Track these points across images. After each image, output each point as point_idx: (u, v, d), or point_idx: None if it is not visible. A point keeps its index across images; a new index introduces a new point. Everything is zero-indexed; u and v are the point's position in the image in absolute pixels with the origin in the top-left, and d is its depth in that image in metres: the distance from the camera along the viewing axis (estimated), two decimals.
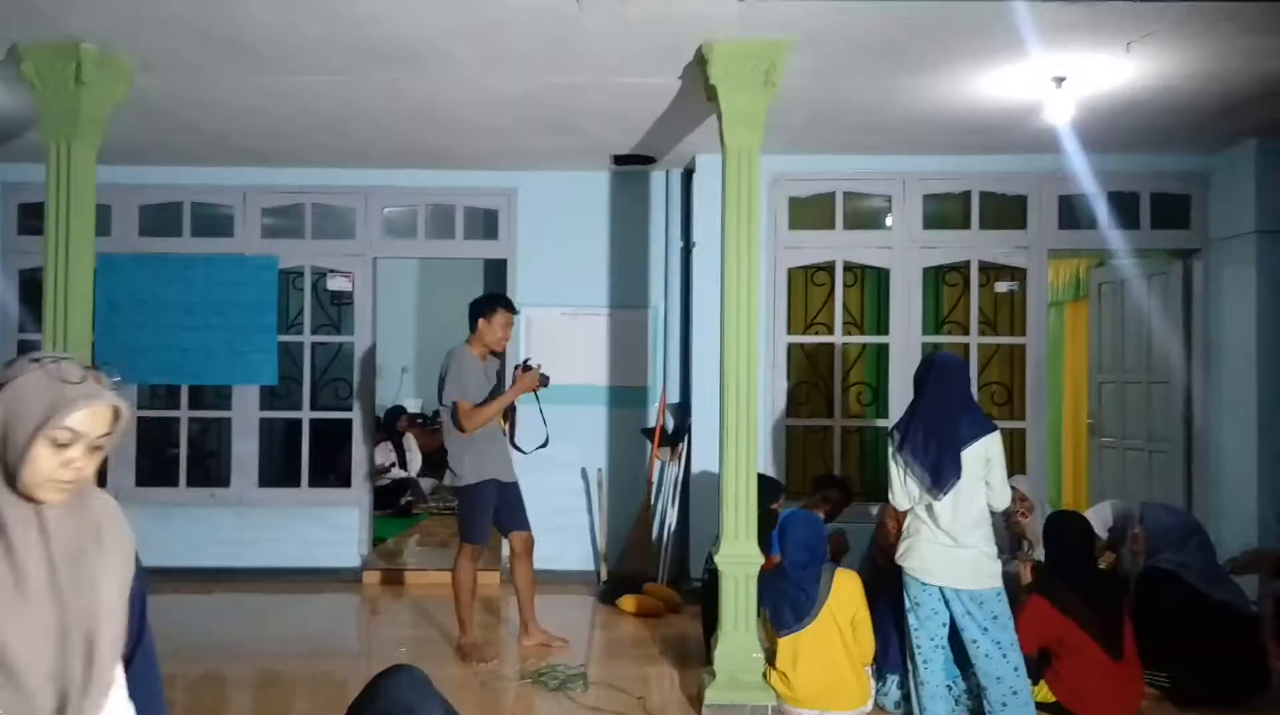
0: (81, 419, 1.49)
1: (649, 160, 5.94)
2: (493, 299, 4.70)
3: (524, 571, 4.71)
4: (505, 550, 5.47)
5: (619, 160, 5.94)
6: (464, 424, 4.47)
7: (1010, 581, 3.83)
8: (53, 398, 1.47)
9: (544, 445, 4.88)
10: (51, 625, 1.49)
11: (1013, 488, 3.82)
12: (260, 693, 4.19)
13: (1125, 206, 5.79)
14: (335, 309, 7.69)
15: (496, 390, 4.66)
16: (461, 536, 4.58)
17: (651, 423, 6.18)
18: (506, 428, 5.05)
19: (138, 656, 1.76)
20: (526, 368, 4.64)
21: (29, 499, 1.48)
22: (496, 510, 4.61)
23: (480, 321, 4.62)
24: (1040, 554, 4.61)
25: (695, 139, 5.35)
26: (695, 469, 5.88)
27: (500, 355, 4.75)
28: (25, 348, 6.07)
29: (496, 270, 7.46)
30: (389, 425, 8.87)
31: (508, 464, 4.68)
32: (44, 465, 1.47)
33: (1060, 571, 3.89)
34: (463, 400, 4.48)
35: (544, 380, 4.66)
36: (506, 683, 4.24)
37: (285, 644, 4.87)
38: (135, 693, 1.68)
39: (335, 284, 6.63)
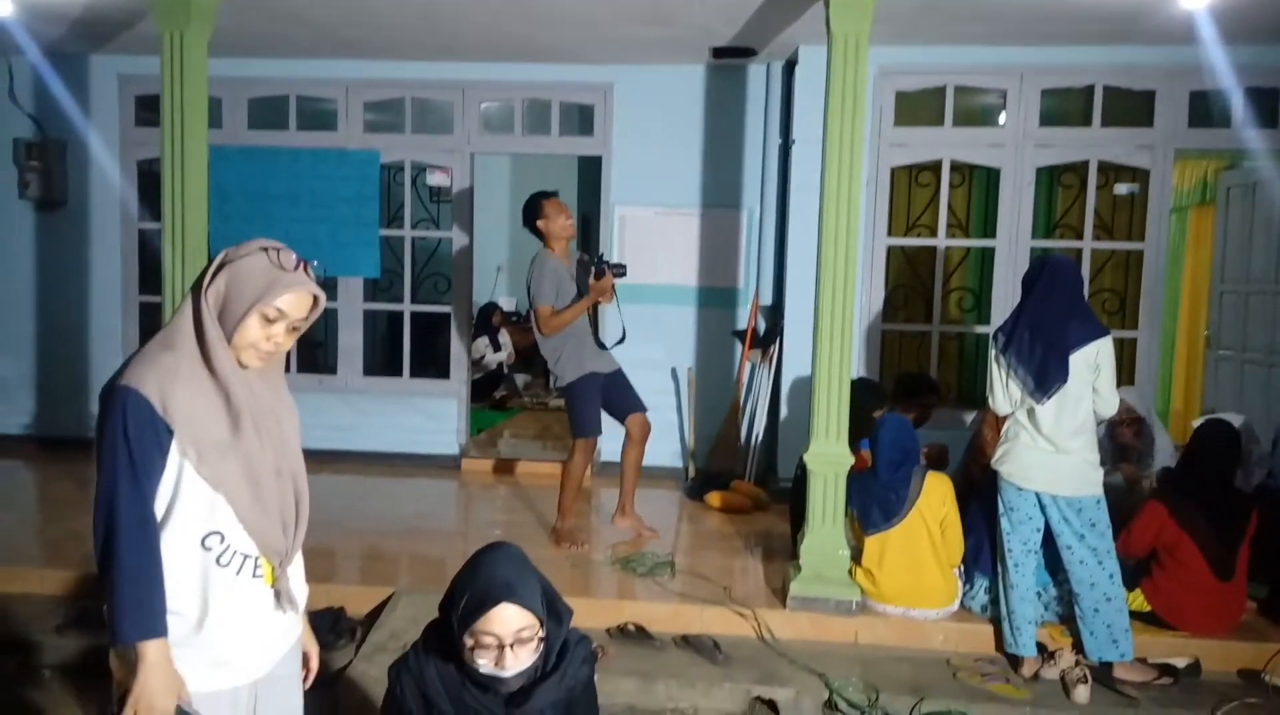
0: (289, 301, 1.77)
1: (749, 53, 5.73)
2: (532, 201, 4.67)
3: (634, 456, 4.80)
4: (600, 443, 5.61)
5: (717, 53, 5.76)
6: (543, 328, 4.55)
7: (1113, 492, 3.74)
8: (270, 280, 1.75)
9: (621, 341, 4.92)
10: (273, 464, 1.83)
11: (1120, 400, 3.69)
12: (366, 565, 4.45)
13: (1263, 103, 5.36)
14: (435, 205, 7.80)
15: (582, 284, 4.69)
16: (573, 432, 4.68)
17: (742, 325, 6.15)
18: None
19: None
20: (600, 270, 4.61)
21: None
22: (607, 399, 4.69)
23: (539, 224, 4.62)
24: (1152, 466, 4.48)
25: (799, 29, 5.13)
26: (786, 373, 5.85)
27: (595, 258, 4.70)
28: (145, 237, 6.37)
29: (591, 168, 7.42)
30: (483, 321, 9.05)
31: (605, 355, 4.74)
32: (252, 334, 1.77)
33: (1190, 482, 3.75)
34: (541, 306, 4.54)
35: (618, 271, 4.64)
36: (596, 566, 4.41)
37: (388, 522, 5.14)
38: None
39: (434, 179, 6.71)
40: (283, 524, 1.87)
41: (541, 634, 1.97)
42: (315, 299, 1.82)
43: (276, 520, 1.85)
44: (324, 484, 5.84)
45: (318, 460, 6.34)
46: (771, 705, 3.45)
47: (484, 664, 1.93)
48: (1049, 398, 3.41)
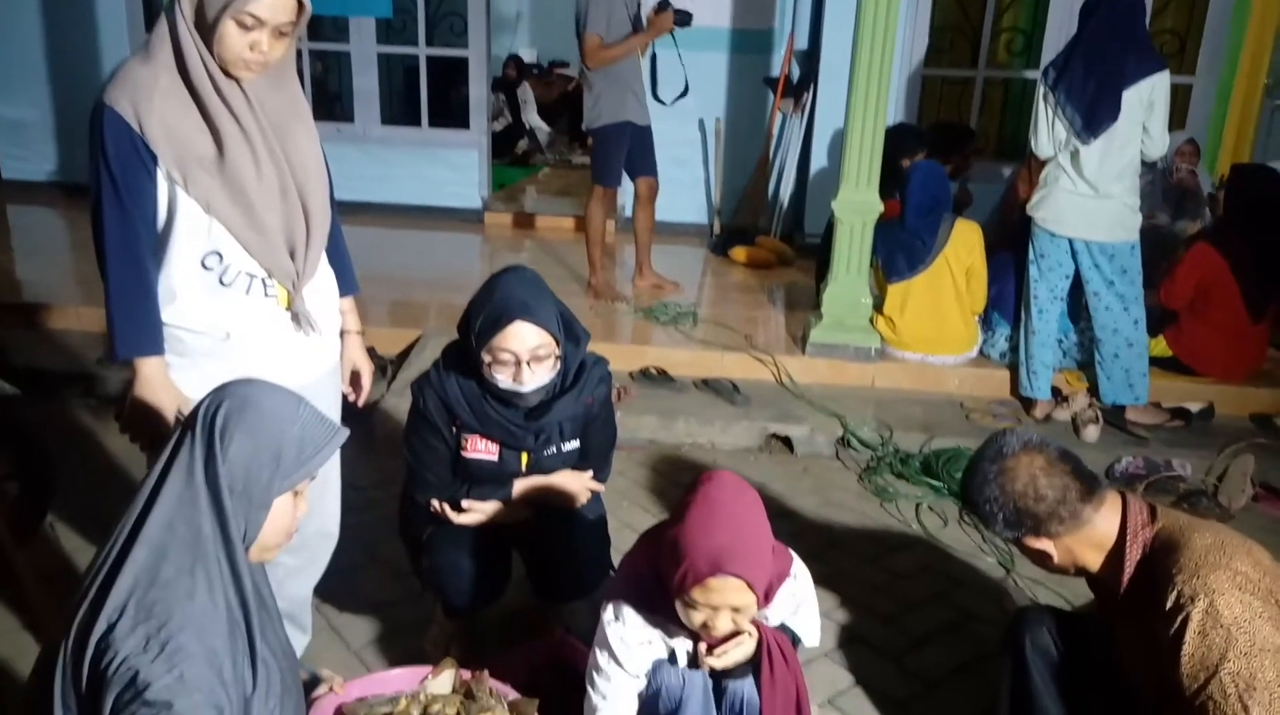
0: (266, 6, 1.60)
1: None
2: None
3: (645, 217, 4.74)
4: (623, 198, 5.52)
5: None
6: (588, 61, 4.29)
7: (1170, 239, 3.66)
8: None
9: (684, 94, 4.67)
10: (275, 184, 1.73)
11: (1185, 140, 3.53)
12: (395, 310, 4.52)
13: None
14: None
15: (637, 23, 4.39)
16: (594, 178, 4.57)
17: (775, 71, 5.83)
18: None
19: (332, 221, 1.96)
20: (663, 6, 4.30)
21: (230, 76, 1.66)
22: (628, 153, 4.55)
23: None
24: (1185, 226, 4.35)
25: None
26: (819, 125, 5.61)
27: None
28: None
29: None
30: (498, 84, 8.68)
31: (644, 106, 4.53)
32: (233, 44, 1.62)
33: (1236, 223, 3.68)
34: (590, 34, 4.25)
35: (682, 18, 4.33)
36: (620, 315, 4.46)
37: (414, 271, 5.18)
38: (329, 249, 1.96)
39: None
40: (289, 246, 1.78)
41: (558, 352, 1.99)
42: (300, 2, 1.66)
43: (279, 242, 1.77)
44: (347, 236, 5.83)
45: (340, 211, 6.32)
46: (786, 442, 3.58)
47: (502, 379, 1.97)
48: (1096, 138, 3.25)
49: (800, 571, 1.81)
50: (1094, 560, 1.63)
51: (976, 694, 2.29)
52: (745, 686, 1.69)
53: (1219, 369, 3.69)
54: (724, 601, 1.56)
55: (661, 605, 1.66)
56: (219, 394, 1.31)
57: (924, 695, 2.30)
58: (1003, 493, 1.61)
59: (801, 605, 1.81)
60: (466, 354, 2.02)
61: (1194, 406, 3.59)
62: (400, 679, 1.76)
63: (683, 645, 1.72)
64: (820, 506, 3.17)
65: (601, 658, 1.70)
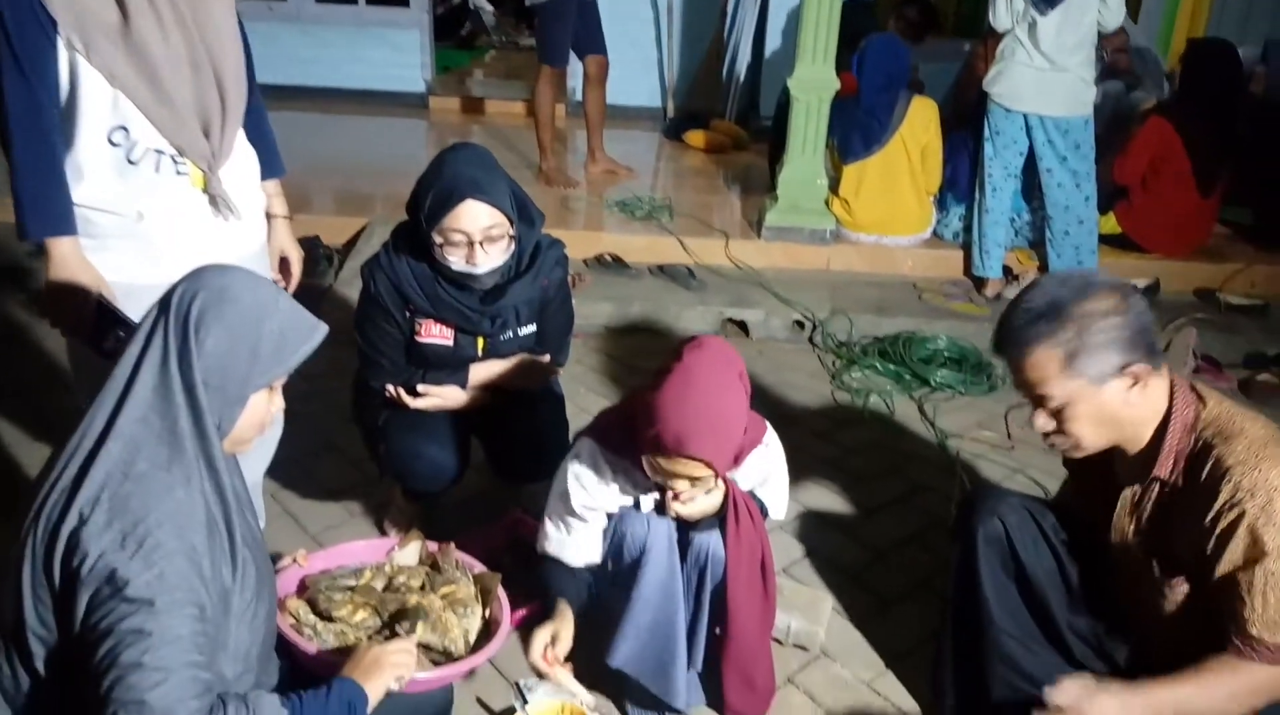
0: None
1: None
2: None
3: (596, 99, 4.59)
4: (573, 81, 5.34)
5: None
6: None
7: (1125, 111, 3.65)
8: None
9: None
10: (185, 55, 1.63)
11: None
12: (340, 198, 4.38)
13: None
14: None
15: None
16: (540, 57, 4.39)
17: None
18: None
19: (252, 100, 1.85)
20: None
21: None
22: (574, 30, 4.36)
23: None
24: (1153, 91, 4.34)
25: None
26: (774, 2, 5.44)
27: None
28: None
29: None
30: None
31: None
32: None
33: (1191, 98, 3.69)
34: None
35: None
36: (590, 207, 4.36)
37: (357, 158, 4.99)
38: (250, 130, 1.87)
39: None
40: (202, 123, 1.69)
41: (512, 232, 1.94)
42: None
43: (192, 119, 1.67)
44: (285, 121, 5.55)
45: (276, 96, 5.88)
46: (742, 326, 3.59)
47: (455, 261, 1.92)
48: (1053, 8, 3.19)
49: (772, 441, 1.82)
50: (1137, 433, 1.48)
51: (925, 563, 2.37)
52: (711, 540, 1.72)
53: (1167, 245, 3.76)
54: (685, 473, 1.58)
55: (629, 454, 1.67)
56: (194, 283, 1.24)
57: (873, 563, 2.38)
58: (1098, 313, 1.40)
59: (771, 476, 1.83)
60: (417, 235, 1.96)
61: (1140, 282, 3.66)
62: (366, 551, 1.76)
63: (646, 497, 1.74)
64: (775, 386, 3.21)
65: (565, 488, 1.72)
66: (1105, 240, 3.72)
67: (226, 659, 1.24)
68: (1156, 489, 1.51)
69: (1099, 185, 3.53)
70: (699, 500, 1.67)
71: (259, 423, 1.31)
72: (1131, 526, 1.56)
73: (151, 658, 1.09)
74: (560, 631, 1.70)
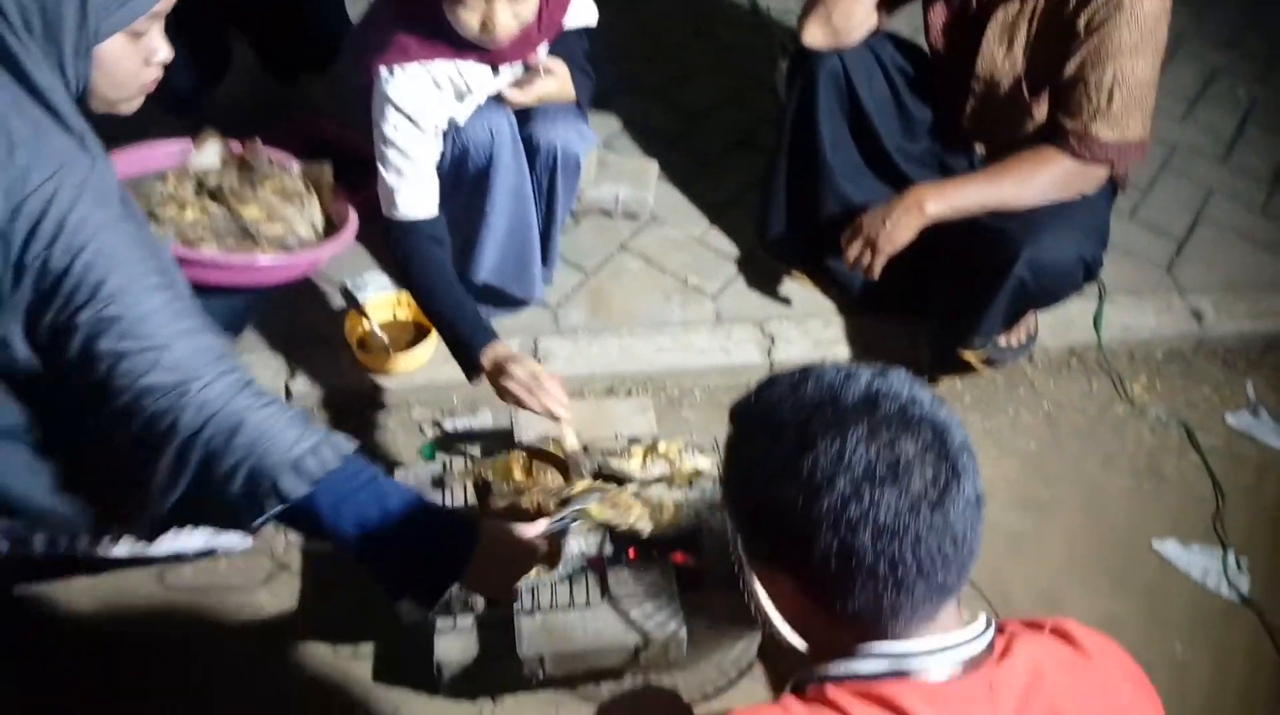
0: None
1: None
2: None
3: None
4: None
5: None
6: None
7: None
8: None
9: None
10: None
11: None
12: None
13: None
14: None
15: None
16: None
17: None
18: None
19: None
20: None
21: None
22: None
23: None
24: None
25: None
26: None
27: None
28: None
29: None
30: None
31: None
32: None
33: None
34: None
35: None
36: None
37: None
38: None
39: None
40: None
41: None
42: None
43: None
44: None
45: None
46: None
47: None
48: None
49: None
50: None
51: (744, 121, 2.39)
52: (558, 140, 1.62)
53: None
54: None
55: (432, 32, 1.44)
56: None
57: (692, 127, 2.37)
58: None
59: None
60: None
61: None
62: (157, 157, 1.52)
63: (476, 75, 1.53)
64: None
65: (387, 126, 1.48)
66: None
67: None
68: (1033, 4, 1.53)
69: None
70: (536, 84, 1.54)
71: (132, 79, 1.05)
72: (1003, 50, 1.59)
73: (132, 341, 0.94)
74: (529, 365, 1.38)
